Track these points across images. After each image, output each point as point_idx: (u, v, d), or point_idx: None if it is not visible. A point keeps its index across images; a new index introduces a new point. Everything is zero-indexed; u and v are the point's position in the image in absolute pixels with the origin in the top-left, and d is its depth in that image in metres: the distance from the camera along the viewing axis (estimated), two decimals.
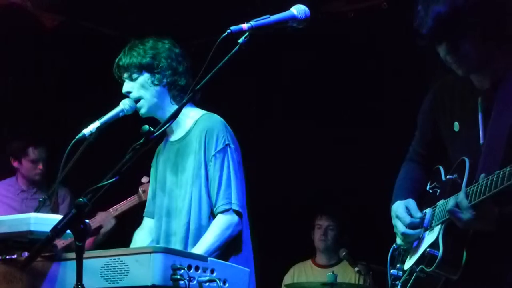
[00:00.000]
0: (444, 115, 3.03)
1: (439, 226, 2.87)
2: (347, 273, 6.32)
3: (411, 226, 2.99)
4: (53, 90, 6.63)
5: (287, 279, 6.56)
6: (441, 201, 2.92)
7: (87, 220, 2.53)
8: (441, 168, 3.06)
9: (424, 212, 3.01)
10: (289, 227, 6.52)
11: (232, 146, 3.74)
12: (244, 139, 3.91)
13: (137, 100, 3.79)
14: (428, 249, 2.86)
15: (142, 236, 3.95)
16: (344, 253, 6.09)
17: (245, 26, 2.69)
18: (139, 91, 3.79)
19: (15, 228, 3.12)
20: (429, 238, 2.93)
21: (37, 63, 6.58)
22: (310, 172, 6.47)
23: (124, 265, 2.81)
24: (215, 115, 3.82)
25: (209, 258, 2.96)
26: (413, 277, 2.96)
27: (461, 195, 2.72)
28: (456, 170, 2.90)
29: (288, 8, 2.80)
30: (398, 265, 3.11)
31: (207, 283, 2.87)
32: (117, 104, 3.75)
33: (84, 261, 2.52)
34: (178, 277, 2.77)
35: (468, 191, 2.71)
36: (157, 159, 3.97)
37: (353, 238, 6.41)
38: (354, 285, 6.08)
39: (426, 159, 3.22)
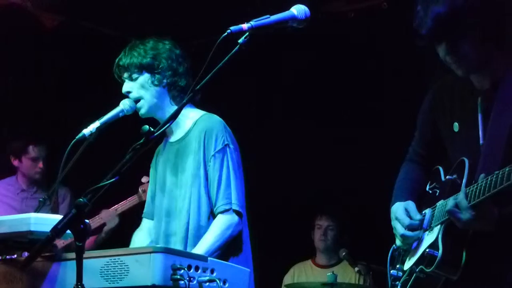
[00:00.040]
0: (444, 116, 3.03)
1: (439, 226, 2.87)
2: (347, 273, 6.31)
3: (410, 228, 3.00)
4: (53, 90, 6.63)
5: (287, 279, 6.56)
6: (441, 202, 2.92)
7: (87, 220, 2.53)
8: (441, 169, 3.06)
9: (423, 212, 3.02)
10: (289, 227, 6.51)
11: (231, 146, 3.74)
12: (244, 139, 3.91)
13: (137, 100, 3.79)
14: (427, 250, 2.86)
15: (141, 237, 3.95)
16: (344, 253, 6.08)
17: (245, 26, 2.69)
18: (139, 91, 3.79)
19: (15, 228, 3.11)
20: (428, 238, 2.93)
21: (37, 63, 6.57)
22: (310, 172, 6.46)
23: (124, 265, 2.81)
24: (215, 115, 3.82)
25: (209, 258, 2.96)
26: (412, 277, 2.96)
27: (460, 196, 2.72)
28: (456, 171, 2.90)
29: (288, 8, 2.80)
30: (398, 266, 3.11)
31: (207, 283, 2.87)
32: (117, 104, 3.75)
33: (84, 261, 2.52)
34: (178, 277, 2.77)
35: (467, 191, 2.71)
36: (157, 160, 3.97)
37: (353, 238, 6.40)
38: (354, 285, 6.07)
39: (425, 159, 3.22)
